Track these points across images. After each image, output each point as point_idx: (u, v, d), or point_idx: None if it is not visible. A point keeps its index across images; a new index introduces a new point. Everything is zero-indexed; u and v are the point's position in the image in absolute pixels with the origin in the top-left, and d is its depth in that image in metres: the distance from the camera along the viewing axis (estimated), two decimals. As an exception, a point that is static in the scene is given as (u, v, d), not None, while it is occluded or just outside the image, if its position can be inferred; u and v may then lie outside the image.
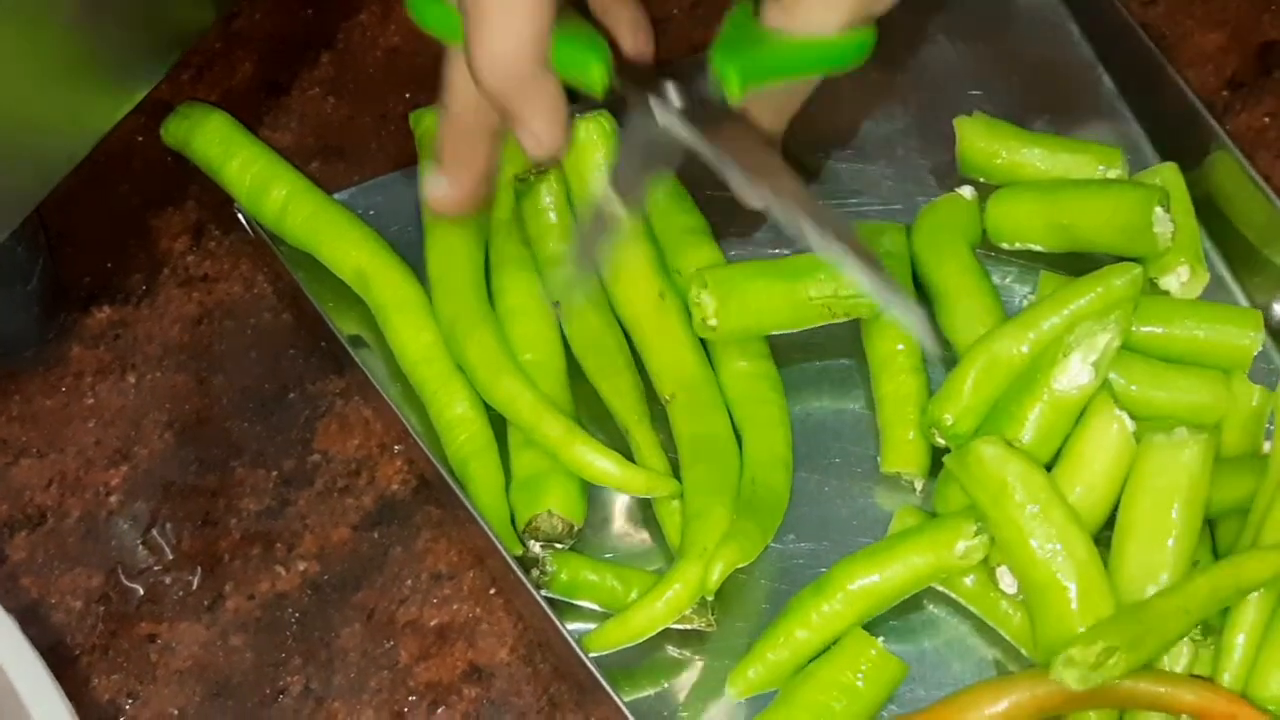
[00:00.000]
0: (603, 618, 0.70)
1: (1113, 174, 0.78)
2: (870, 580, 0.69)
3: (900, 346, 0.74)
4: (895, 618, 0.70)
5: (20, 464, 0.75)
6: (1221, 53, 0.83)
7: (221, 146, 0.78)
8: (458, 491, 0.71)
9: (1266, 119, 0.82)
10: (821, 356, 0.76)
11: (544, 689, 0.70)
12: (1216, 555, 0.70)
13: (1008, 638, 0.70)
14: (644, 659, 0.70)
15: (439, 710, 0.70)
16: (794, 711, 0.67)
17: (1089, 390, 0.70)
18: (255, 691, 0.70)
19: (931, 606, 0.71)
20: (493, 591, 0.72)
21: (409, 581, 0.73)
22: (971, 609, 0.71)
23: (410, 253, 0.77)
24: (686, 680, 0.70)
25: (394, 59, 0.85)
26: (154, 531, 0.74)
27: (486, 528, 0.70)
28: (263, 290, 0.79)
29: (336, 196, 0.78)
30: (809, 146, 0.81)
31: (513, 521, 0.72)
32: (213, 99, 0.81)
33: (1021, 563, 0.68)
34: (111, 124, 0.72)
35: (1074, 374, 0.70)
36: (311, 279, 0.76)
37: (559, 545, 0.71)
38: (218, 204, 0.80)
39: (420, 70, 0.84)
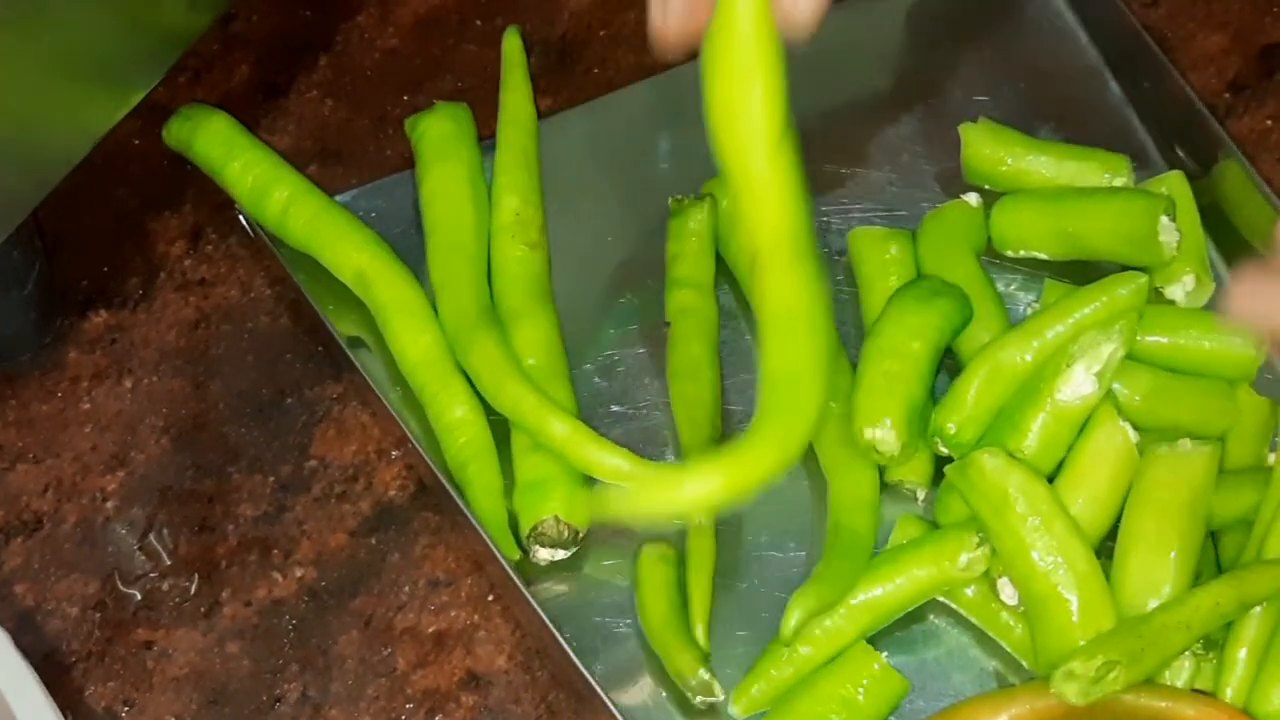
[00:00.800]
0: (597, 629, 0.71)
1: (1119, 182, 0.78)
2: (873, 595, 0.69)
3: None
4: (896, 628, 0.70)
5: (16, 469, 0.76)
6: (1224, 55, 0.84)
7: (223, 148, 0.79)
8: (455, 496, 0.72)
9: (1269, 121, 0.82)
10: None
11: (542, 697, 0.71)
12: (1220, 567, 0.70)
13: (1008, 649, 0.70)
14: (643, 668, 0.70)
15: (436, 717, 0.70)
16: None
17: (1092, 401, 0.71)
18: (252, 699, 0.71)
19: (933, 617, 0.71)
20: (490, 599, 0.73)
21: (406, 588, 0.73)
22: (972, 619, 0.71)
23: (411, 256, 0.77)
24: (683, 694, 0.69)
25: (391, 61, 0.85)
26: (151, 537, 0.74)
27: (483, 532, 0.71)
28: (260, 294, 0.79)
29: (338, 199, 0.79)
30: (815, 153, 0.81)
31: (512, 526, 0.72)
32: (210, 102, 0.82)
33: (1023, 574, 0.69)
34: (109, 127, 0.73)
35: (1077, 384, 0.70)
36: (311, 281, 0.77)
37: (562, 551, 0.71)
38: (215, 208, 0.80)
39: (418, 73, 0.85)
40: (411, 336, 0.75)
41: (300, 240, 0.77)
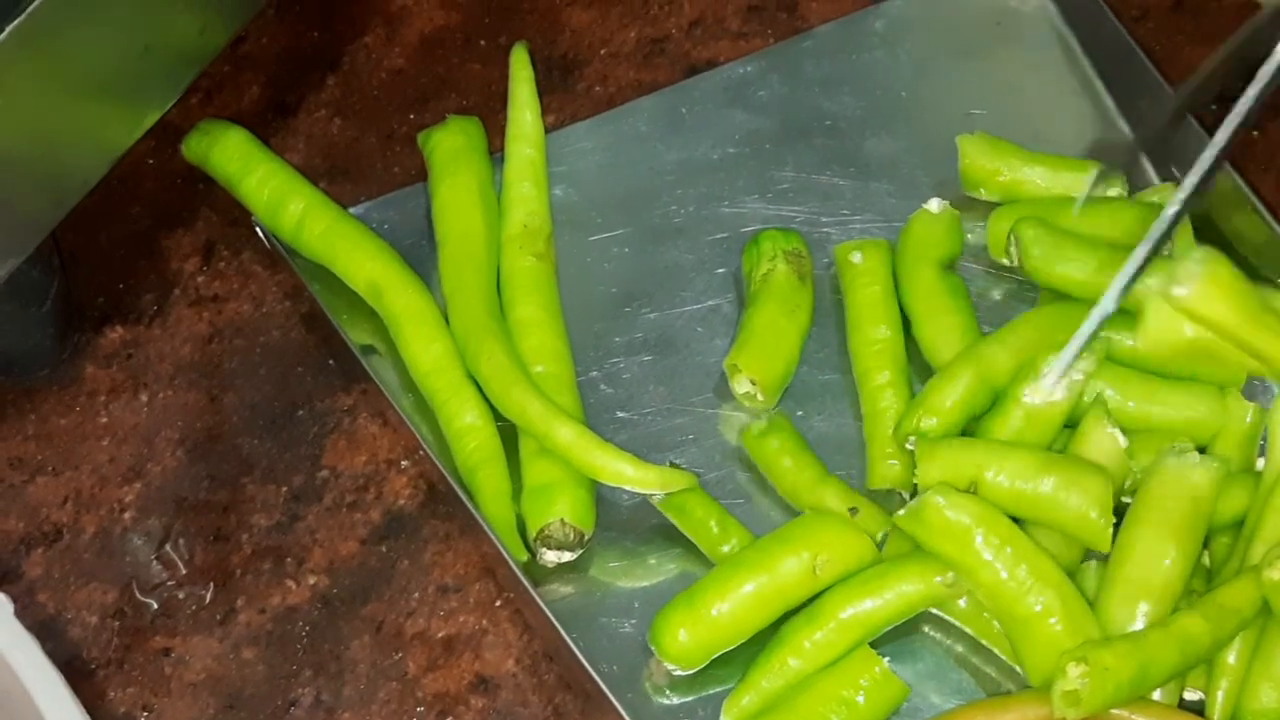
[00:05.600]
0: (603, 630, 0.73)
1: (1112, 193, 0.81)
2: (862, 608, 0.71)
3: (885, 374, 0.77)
4: (894, 631, 0.73)
5: (36, 482, 0.79)
6: (1211, 67, 0.86)
7: (240, 162, 0.82)
8: (466, 500, 0.74)
9: (1255, 133, 0.85)
10: (822, 371, 0.80)
11: (549, 699, 0.74)
12: (1210, 566, 0.73)
13: (1001, 656, 0.73)
14: (648, 668, 0.73)
15: (446, 720, 0.73)
16: (791, 718, 0.70)
17: (1062, 406, 0.73)
18: (267, 703, 0.74)
19: (929, 621, 0.74)
20: (498, 604, 0.76)
21: (416, 594, 0.76)
22: (967, 630, 0.73)
23: (422, 266, 0.80)
24: (688, 691, 0.73)
25: (398, 80, 0.89)
26: (167, 547, 0.77)
27: (493, 535, 0.73)
28: (272, 309, 0.83)
29: (351, 211, 0.82)
30: (814, 164, 0.85)
31: (520, 530, 0.75)
32: (221, 121, 0.84)
33: (1002, 602, 0.71)
34: (125, 148, 0.76)
35: (1046, 391, 0.73)
36: (325, 291, 0.80)
37: (569, 554, 0.74)
38: (227, 224, 0.84)
39: (423, 91, 0.88)
40: (423, 345, 0.78)
41: (315, 251, 0.80)
